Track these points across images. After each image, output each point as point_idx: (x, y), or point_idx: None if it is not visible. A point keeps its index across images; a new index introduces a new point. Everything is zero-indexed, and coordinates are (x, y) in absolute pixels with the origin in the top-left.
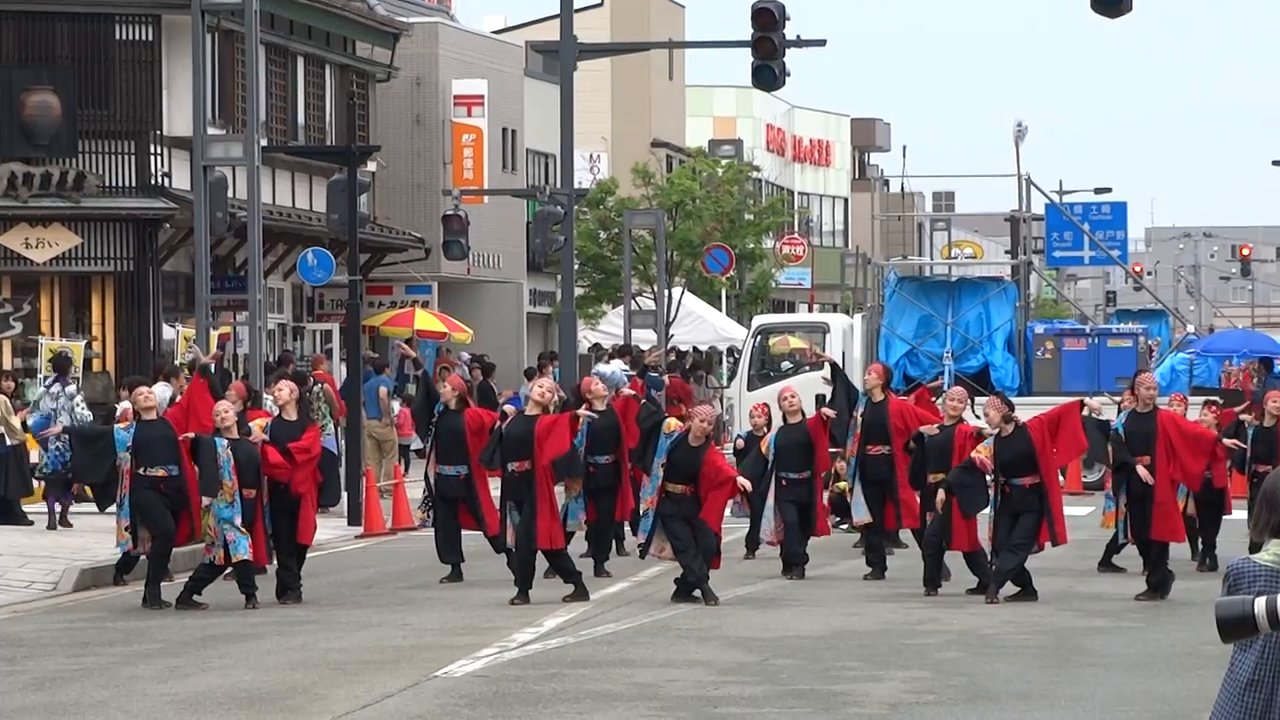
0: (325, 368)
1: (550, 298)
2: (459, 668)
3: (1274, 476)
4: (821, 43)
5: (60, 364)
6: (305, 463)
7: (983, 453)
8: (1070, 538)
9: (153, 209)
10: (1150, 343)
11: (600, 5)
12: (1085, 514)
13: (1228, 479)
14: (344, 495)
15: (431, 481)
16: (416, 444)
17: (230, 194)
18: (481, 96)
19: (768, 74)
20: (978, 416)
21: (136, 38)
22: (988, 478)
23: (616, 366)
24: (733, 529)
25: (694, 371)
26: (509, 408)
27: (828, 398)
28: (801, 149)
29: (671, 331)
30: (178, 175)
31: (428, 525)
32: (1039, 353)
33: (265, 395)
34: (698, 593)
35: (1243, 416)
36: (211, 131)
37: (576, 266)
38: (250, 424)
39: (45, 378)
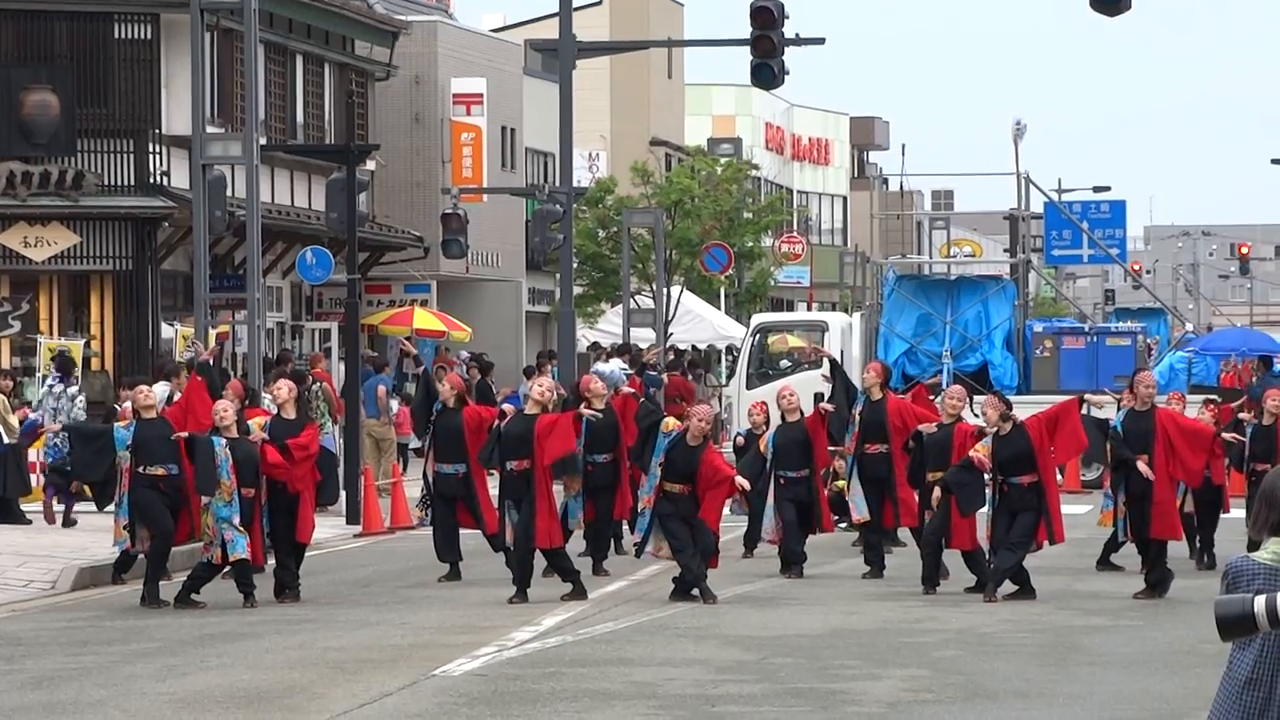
0: (324, 366)
1: (549, 296)
2: (457, 666)
3: (1273, 475)
4: (820, 41)
5: (64, 365)
6: (303, 460)
7: (980, 451)
8: (1068, 536)
9: (151, 208)
10: (1149, 341)
11: (599, 4)
12: (1083, 512)
13: (1226, 477)
14: (342, 494)
15: (430, 480)
16: (415, 443)
17: (229, 193)
18: (480, 95)
19: (767, 72)
20: (976, 415)
21: (135, 36)
22: (985, 476)
23: (615, 365)
24: (731, 528)
25: (693, 370)
26: (508, 406)
27: (826, 396)
28: (800, 147)
29: (670, 330)
30: (176, 174)
31: (426, 524)
32: (1038, 351)
33: (264, 394)
34: (696, 591)
35: (1241, 415)
36: (210, 130)
37: (575, 265)
38: (249, 422)
39: (45, 376)
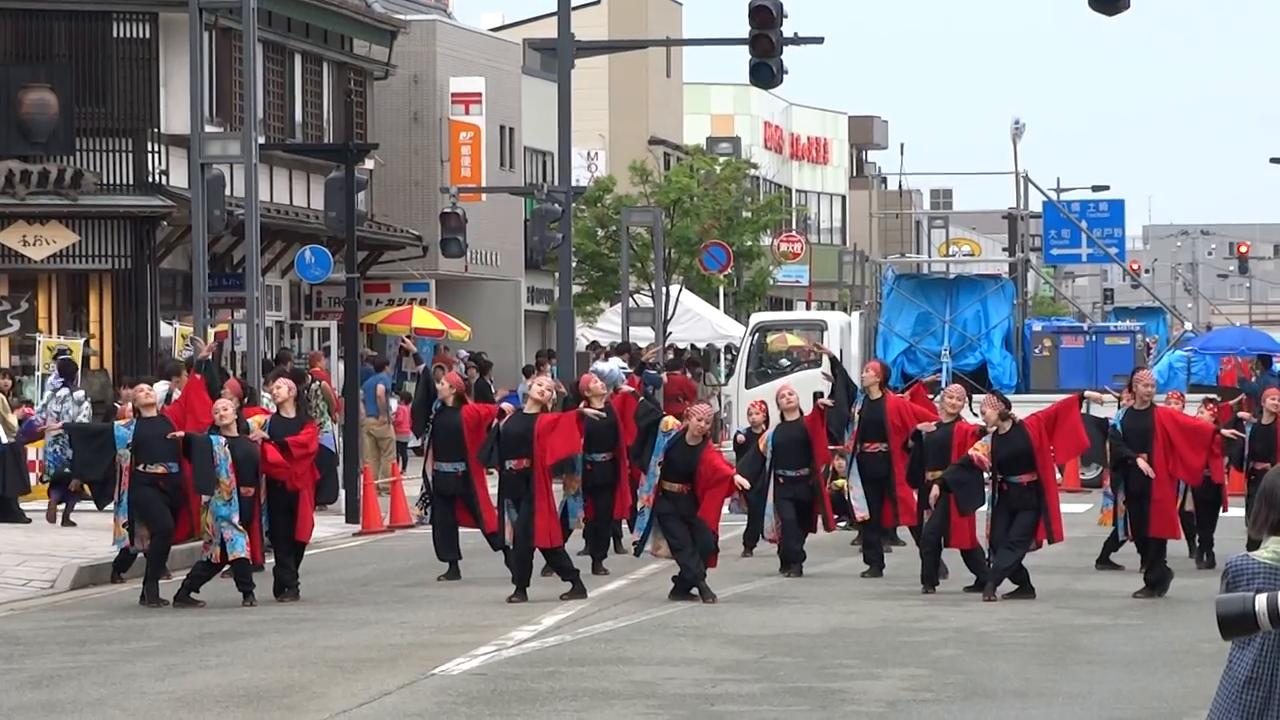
0: (323, 365)
1: (548, 295)
2: (456, 665)
3: (1273, 474)
4: (819, 40)
5: (67, 368)
6: (302, 457)
7: (980, 450)
8: (1068, 535)
9: (150, 207)
10: (1148, 340)
11: (598, 3)
12: (1083, 511)
13: (1225, 476)
14: (341, 493)
15: (429, 479)
16: (414, 442)
17: (228, 191)
18: (479, 94)
19: (765, 71)
20: (975, 414)
21: (134, 35)
22: (985, 475)
23: (615, 364)
24: (730, 527)
25: (691, 369)
26: (506, 405)
27: (826, 394)
28: (799, 146)
29: (669, 329)
30: (175, 173)
31: (425, 523)
32: (1037, 350)
33: (263, 393)
34: (695, 590)
35: (1241, 414)
36: (209, 129)
37: (574, 264)
38: (248, 420)
39: (45, 376)
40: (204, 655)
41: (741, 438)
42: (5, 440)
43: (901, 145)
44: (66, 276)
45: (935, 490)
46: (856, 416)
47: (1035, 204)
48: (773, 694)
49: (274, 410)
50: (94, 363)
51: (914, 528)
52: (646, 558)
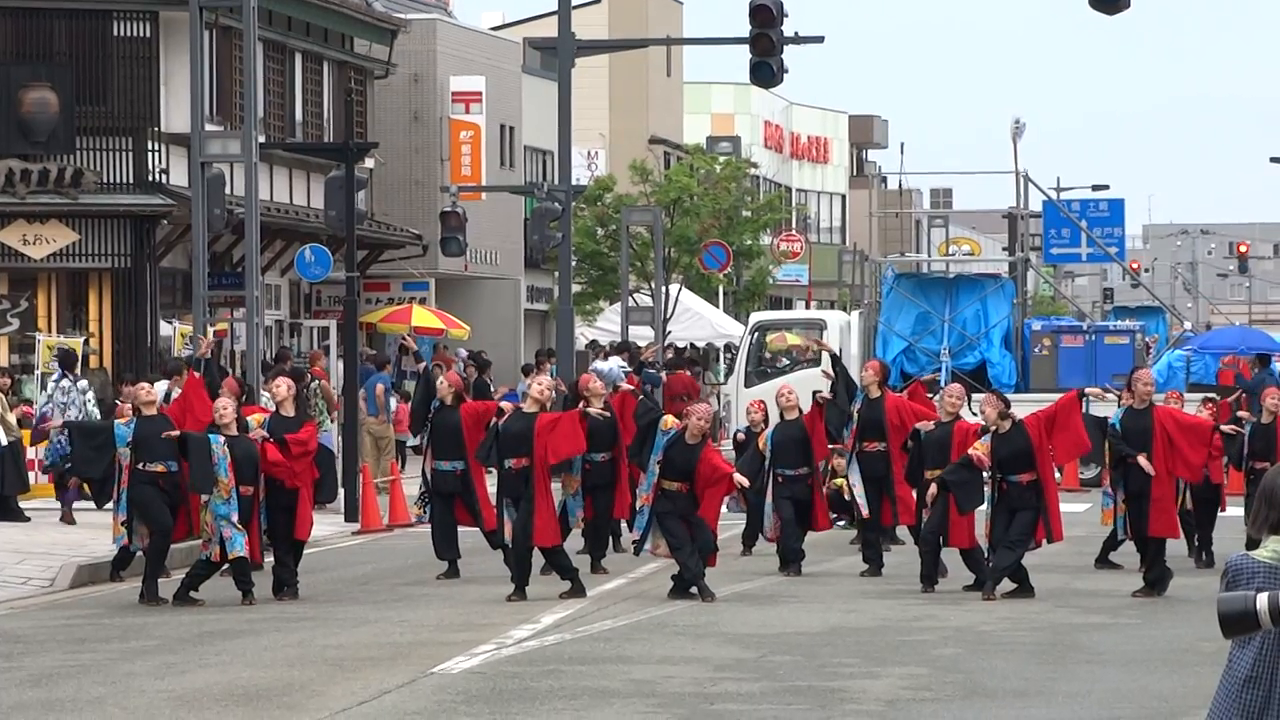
0: (322, 364)
1: (548, 294)
2: (456, 664)
3: (1273, 473)
4: (819, 39)
5: (66, 359)
6: (302, 455)
7: (979, 449)
8: (1067, 534)
9: (150, 205)
10: (1147, 340)
11: (598, 2)
12: (1082, 510)
13: (1224, 475)
14: (341, 492)
15: (428, 477)
16: (414, 441)
17: (228, 190)
18: (479, 93)
19: (765, 71)
20: (974, 414)
21: (134, 34)
22: (984, 474)
23: (614, 363)
24: (729, 526)
25: (691, 368)
26: (505, 404)
27: (825, 392)
28: (799, 146)
29: (669, 328)
30: (175, 172)
31: (424, 521)
32: (1036, 349)
33: (262, 392)
34: (694, 589)
35: (1240, 414)
36: (209, 128)
37: (574, 263)
38: (248, 419)
39: (46, 374)
40: (203, 654)
41: (741, 436)
42: (4, 440)
43: (901, 144)
44: (66, 275)
45: (932, 489)
46: (856, 415)
47: (1035, 203)
48: (772, 693)
49: (273, 409)
50: (93, 361)
51: (913, 527)
52: (646, 557)
